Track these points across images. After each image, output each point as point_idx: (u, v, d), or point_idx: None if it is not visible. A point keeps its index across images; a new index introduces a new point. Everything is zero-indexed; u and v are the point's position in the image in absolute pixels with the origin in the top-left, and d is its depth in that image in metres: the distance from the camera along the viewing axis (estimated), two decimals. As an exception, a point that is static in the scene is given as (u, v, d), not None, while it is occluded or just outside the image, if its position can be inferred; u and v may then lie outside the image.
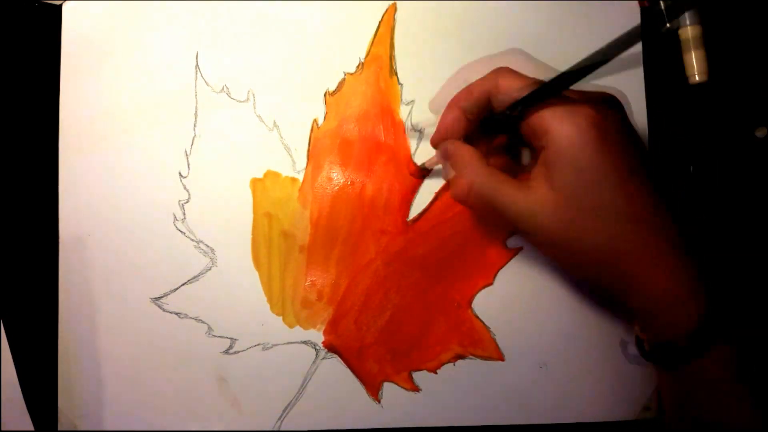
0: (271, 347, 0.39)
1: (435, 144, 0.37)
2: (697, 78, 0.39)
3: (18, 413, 0.38)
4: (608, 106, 0.32)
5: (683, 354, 0.29)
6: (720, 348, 0.29)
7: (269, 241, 0.39)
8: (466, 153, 0.34)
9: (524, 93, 0.31)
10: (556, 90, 0.31)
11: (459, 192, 0.33)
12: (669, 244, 0.30)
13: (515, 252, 0.39)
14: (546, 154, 0.31)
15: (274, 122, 0.39)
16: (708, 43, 0.39)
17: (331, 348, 0.39)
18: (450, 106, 0.35)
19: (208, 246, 0.39)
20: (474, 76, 0.35)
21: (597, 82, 0.39)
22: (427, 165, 0.38)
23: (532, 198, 0.31)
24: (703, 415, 0.30)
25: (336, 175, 0.39)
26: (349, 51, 0.39)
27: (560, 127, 0.30)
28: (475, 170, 0.33)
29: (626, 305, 0.32)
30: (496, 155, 0.37)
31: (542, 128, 0.31)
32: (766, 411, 0.28)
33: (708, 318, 0.29)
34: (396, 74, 0.39)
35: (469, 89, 0.35)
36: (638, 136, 0.32)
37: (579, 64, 0.30)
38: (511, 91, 0.32)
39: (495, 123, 0.34)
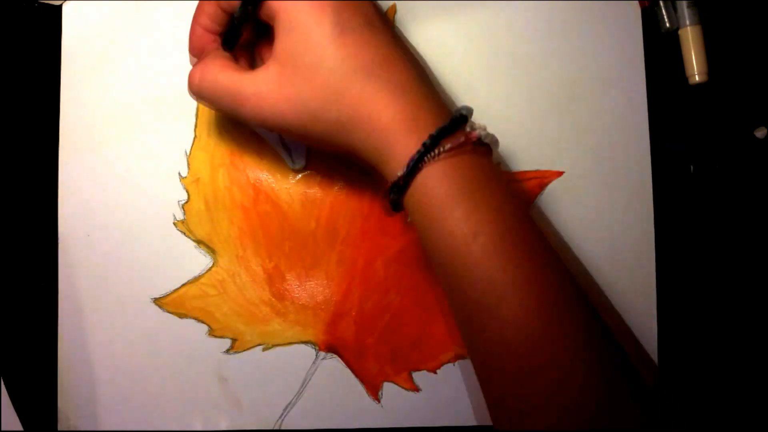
0: (272, 347, 0.39)
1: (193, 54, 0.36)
2: (697, 78, 0.39)
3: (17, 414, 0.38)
4: None
5: (402, 186, 0.30)
6: (433, 167, 0.29)
7: (270, 242, 0.39)
8: (210, 53, 0.33)
9: None
10: None
11: (189, 82, 0.33)
12: (390, 90, 0.30)
13: (515, 252, 0.39)
14: (275, 31, 0.31)
15: (274, 122, 0.39)
16: (708, 43, 0.39)
17: (331, 348, 0.39)
18: (192, 28, 0.34)
19: (208, 246, 0.39)
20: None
21: (598, 83, 0.39)
22: None
23: (259, 77, 0.31)
24: (431, 244, 0.30)
25: (336, 176, 0.39)
26: (349, 51, 0.39)
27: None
28: (209, 61, 0.32)
29: (361, 154, 0.31)
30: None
31: (270, 8, 0.31)
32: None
33: (425, 147, 0.29)
34: (396, 74, 0.39)
35: (200, 7, 0.33)
36: None
37: None
38: None
39: (236, 31, 0.33)
